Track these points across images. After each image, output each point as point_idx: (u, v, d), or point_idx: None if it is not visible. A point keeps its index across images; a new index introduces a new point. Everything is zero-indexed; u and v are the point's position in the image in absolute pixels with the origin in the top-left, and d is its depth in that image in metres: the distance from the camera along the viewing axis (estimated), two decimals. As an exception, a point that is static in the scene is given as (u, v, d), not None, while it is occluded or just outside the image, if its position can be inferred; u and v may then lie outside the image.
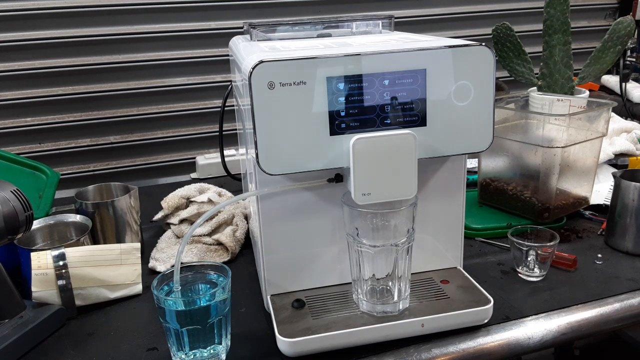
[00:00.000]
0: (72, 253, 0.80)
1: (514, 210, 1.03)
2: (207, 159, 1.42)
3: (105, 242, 0.94)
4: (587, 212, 1.06)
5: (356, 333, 0.68)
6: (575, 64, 1.08)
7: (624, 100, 1.58)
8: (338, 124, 0.64)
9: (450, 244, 0.81)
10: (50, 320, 0.76)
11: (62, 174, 1.11)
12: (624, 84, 1.60)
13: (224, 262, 0.93)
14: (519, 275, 0.86)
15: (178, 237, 1.00)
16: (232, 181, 1.20)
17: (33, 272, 0.77)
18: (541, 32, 1.08)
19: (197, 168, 1.43)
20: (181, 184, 1.10)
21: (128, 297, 0.85)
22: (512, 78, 1.14)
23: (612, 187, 0.96)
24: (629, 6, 1.91)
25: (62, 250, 0.79)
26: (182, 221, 1.00)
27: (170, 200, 1.02)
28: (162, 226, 1.05)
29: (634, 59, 1.77)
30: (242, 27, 0.99)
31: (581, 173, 1.03)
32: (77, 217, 0.93)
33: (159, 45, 1.57)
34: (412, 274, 0.74)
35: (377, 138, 0.64)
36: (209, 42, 1.60)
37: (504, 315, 0.76)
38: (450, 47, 0.66)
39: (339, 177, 0.70)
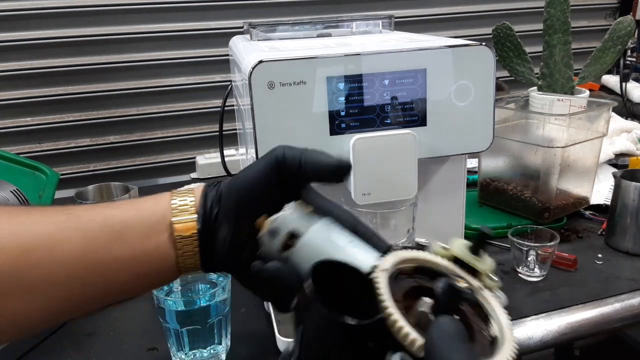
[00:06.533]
0: (72, 253, 0.80)
1: (514, 210, 1.03)
2: (207, 159, 1.42)
3: (105, 242, 0.94)
4: (587, 212, 1.05)
5: (356, 333, 0.67)
6: (576, 63, 1.08)
7: (624, 100, 1.58)
8: (338, 124, 0.64)
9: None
10: (50, 320, 0.76)
11: (62, 174, 1.11)
12: (624, 83, 1.60)
13: (224, 262, 0.93)
14: (519, 275, 0.86)
15: (178, 237, 0.99)
16: (232, 181, 1.19)
17: (33, 272, 0.77)
18: (541, 32, 1.08)
19: (197, 168, 1.43)
20: (181, 184, 1.08)
21: (128, 297, 0.85)
22: (512, 78, 1.14)
23: (612, 187, 0.96)
24: (629, 6, 1.91)
25: (62, 250, 0.79)
26: (182, 221, 1.00)
27: (170, 200, 1.02)
28: (162, 226, 1.05)
29: (634, 59, 1.77)
30: (242, 27, 0.99)
31: (581, 173, 1.03)
32: (77, 217, 0.93)
33: (159, 45, 1.57)
34: (412, 274, 0.74)
35: (377, 138, 0.64)
36: (209, 42, 1.60)
37: (504, 315, 0.76)
38: (450, 47, 0.66)
39: (339, 177, 0.70)
